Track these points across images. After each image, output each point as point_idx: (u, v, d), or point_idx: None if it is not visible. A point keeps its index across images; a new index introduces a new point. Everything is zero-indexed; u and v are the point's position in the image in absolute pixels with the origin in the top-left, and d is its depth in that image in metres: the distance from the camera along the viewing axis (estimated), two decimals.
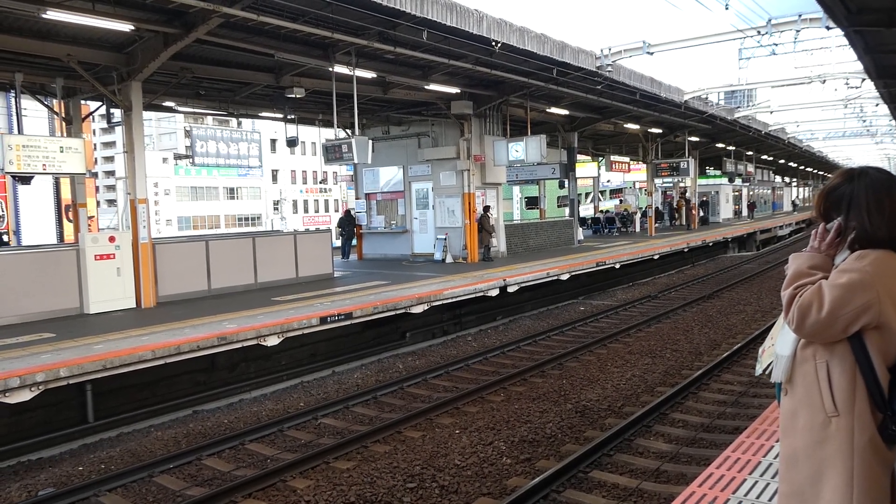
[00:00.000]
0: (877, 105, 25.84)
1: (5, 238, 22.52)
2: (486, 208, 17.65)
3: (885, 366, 1.83)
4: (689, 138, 28.13)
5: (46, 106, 13.22)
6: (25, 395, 7.05)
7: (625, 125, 24.39)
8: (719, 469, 4.11)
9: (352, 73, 12.62)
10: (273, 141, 60.20)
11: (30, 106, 14.42)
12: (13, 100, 11.61)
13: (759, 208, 46.17)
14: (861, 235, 1.90)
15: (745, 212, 43.41)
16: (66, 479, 6.66)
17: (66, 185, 20.25)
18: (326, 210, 74.02)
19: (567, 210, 26.52)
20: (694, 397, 8.35)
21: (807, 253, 1.99)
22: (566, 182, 24.88)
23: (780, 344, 2.01)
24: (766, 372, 2.13)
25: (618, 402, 8.35)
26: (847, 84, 20.23)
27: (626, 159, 35.02)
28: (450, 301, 12.67)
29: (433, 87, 15.01)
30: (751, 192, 44.75)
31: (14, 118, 12.33)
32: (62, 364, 7.39)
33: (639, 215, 31.23)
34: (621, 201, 37.74)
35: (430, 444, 7.06)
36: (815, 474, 1.87)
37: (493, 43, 12.11)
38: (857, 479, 1.81)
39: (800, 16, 13.44)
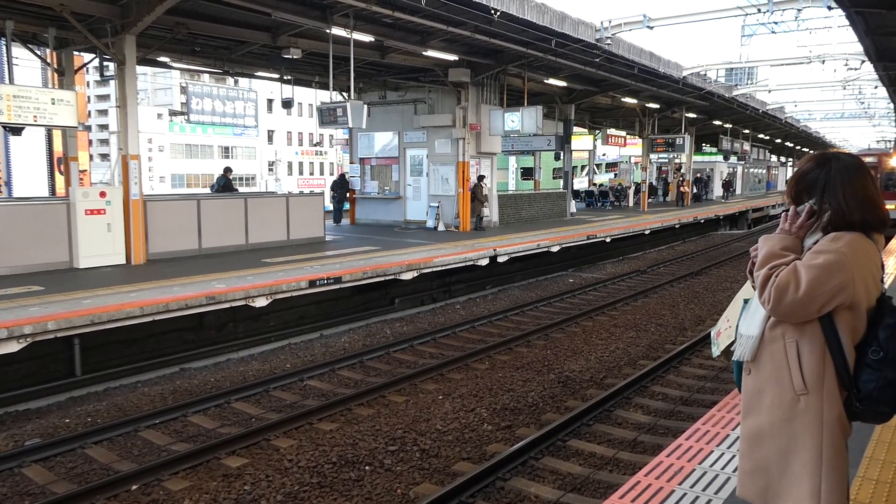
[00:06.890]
0: (875, 87, 25.81)
1: None
2: (481, 178, 17.62)
3: (853, 344, 1.89)
4: (687, 114, 28.03)
5: (38, 56, 13.04)
6: (13, 347, 7.10)
7: (622, 99, 24.25)
8: (688, 441, 4.22)
9: (349, 36, 12.48)
10: (269, 101, 59.51)
11: (21, 55, 14.18)
12: (4, 48, 11.43)
13: (753, 187, 45.54)
14: (836, 218, 1.93)
15: (718, 191, 37.15)
16: (52, 430, 6.75)
17: (58, 137, 20.02)
18: (322, 173, 73.61)
19: (561, 182, 26.50)
20: (675, 371, 8.48)
21: (778, 235, 2.02)
22: (562, 154, 24.84)
23: (745, 324, 2.05)
24: (732, 352, 2.17)
25: (600, 373, 8.48)
26: (847, 65, 20.14)
27: (623, 133, 34.86)
28: (440, 269, 12.73)
29: (431, 53, 14.88)
30: (728, 171, 39.70)
31: (5, 67, 12.17)
32: (50, 317, 7.43)
33: (632, 190, 31.26)
34: (616, 175, 37.60)
35: (414, 408, 7.18)
36: (783, 450, 1.93)
37: (493, 11, 11.98)
38: (826, 454, 1.87)
39: None
